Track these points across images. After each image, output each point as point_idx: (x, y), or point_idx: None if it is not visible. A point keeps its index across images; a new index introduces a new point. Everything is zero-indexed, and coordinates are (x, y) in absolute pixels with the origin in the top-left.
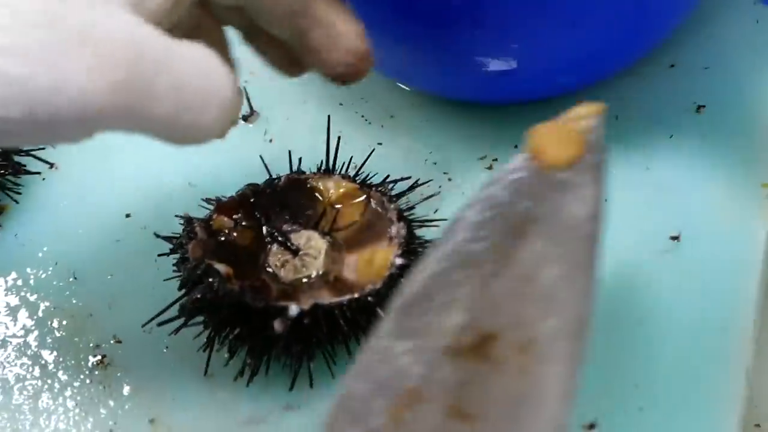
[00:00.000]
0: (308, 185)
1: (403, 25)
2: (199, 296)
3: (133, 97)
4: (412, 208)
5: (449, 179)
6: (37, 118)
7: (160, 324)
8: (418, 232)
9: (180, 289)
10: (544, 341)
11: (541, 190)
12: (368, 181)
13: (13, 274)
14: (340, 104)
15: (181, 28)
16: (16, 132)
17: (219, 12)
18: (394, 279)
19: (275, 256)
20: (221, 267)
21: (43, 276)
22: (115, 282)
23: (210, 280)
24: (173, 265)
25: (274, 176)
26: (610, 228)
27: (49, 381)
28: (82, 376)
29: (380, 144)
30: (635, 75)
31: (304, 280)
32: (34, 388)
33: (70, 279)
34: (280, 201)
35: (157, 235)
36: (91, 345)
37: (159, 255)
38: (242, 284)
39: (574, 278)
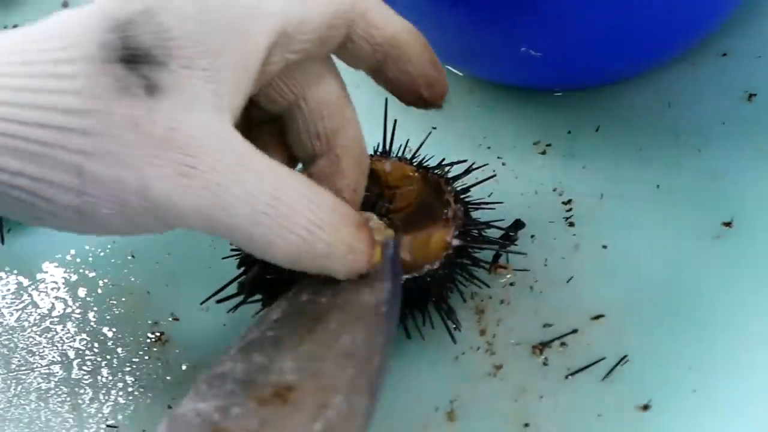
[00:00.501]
0: None
1: (459, 10)
2: (258, 274)
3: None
4: (468, 190)
5: (503, 164)
6: (124, 217)
7: (219, 301)
8: (474, 214)
9: (239, 267)
10: (341, 385)
11: (338, 282)
12: (425, 164)
13: (72, 251)
14: None
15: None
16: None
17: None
18: (451, 260)
19: None
20: None
21: (102, 254)
22: (172, 260)
23: None
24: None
25: None
26: (664, 214)
27: (108, 357)
28: (140, 353)
29: (434, 128)
30: (687, 63)
31: None
32: (94, 363)
33: (128, 257)
34: None
35: None
36: (149, 322)
37: None
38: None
39: (369, 341)
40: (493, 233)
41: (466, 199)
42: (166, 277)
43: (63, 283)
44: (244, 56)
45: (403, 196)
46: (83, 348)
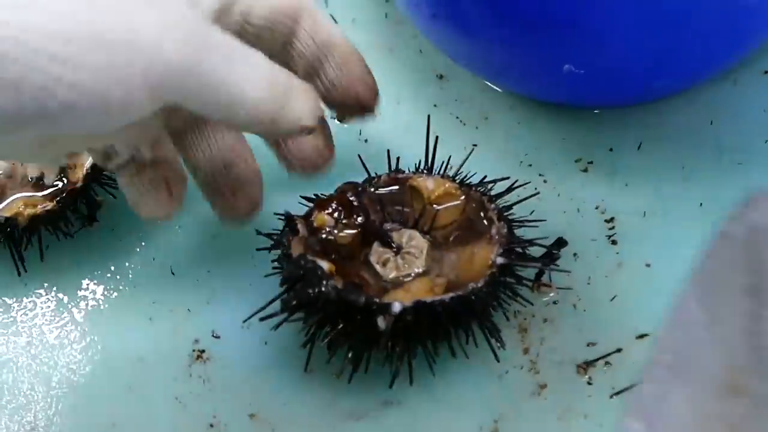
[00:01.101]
0: (408, 184)
1: (500, 27)
2: (301, 292)
3: (194, 60)
4: (510, 208)
5: (545, 181)
6: (113, 70)
7: (261, 319)
8: (516, 231)
9: (281, 285)
10: None
11: None
12: (467, 182)
13: (112, 268)
14: (435, 105)
15: None
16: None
17: None
18: (495, 278)
19: (377, 254)
20: (324, 263)
21: (142, 271)
22: (213, 278)
23: (313, 276)
24: (273, 261)
25: (372, 175)
26: (708, 232)
27: (149, 374)
28: (181, 370)
29: (475, 145)
30: (729, 81)
31: (406, 278)
32: (134, 381)
33: (169, 274)
34: (380, 199)
35: (259, 232)
36: (190, 339)
37: (258, 249)
38: (345, 281)
39: None
40: (535, 251)
41: (509, 217)
42: (207, 294)
43: (103, 300)
44: None
45: (446, 213)
46: (124, 366)
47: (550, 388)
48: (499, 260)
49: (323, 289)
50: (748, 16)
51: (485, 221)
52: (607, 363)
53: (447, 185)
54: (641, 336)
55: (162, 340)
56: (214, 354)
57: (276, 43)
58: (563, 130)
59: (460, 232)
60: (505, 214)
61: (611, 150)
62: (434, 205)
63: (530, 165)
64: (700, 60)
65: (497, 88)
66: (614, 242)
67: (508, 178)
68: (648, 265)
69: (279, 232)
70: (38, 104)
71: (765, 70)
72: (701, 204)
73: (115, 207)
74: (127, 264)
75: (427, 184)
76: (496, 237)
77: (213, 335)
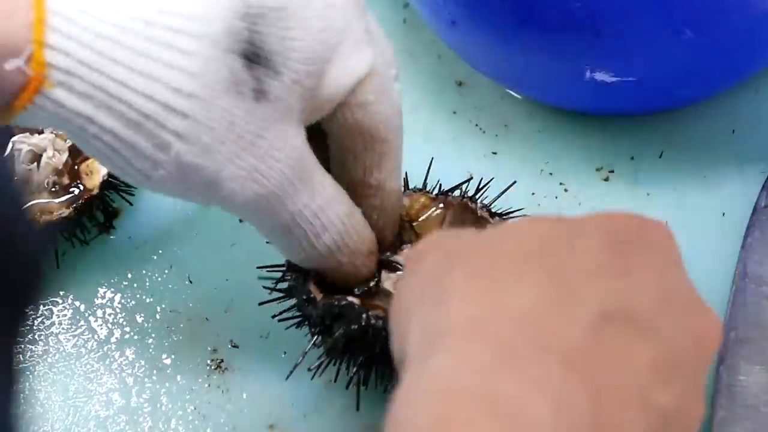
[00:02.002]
0: None
1: (522, 34)
2: (347, 331)
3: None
4: (492, 203)
5: (565, 190)
6: (182, 190)
7: (311, 369)
8: None
9: (314, 326)
10: None
11: None
12: (444, 190)
13: (129, 275)
14: (454, 113)
15: None
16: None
17: None
18: None
19: (390, 281)
20: (355, 300)
21: (159, 279)
22: (230, 286)
23: (351, 311)
24: (291, 308)
25: None
26: (730, 242)
27: (167, 384)
28: (200, 380)
29: (495, 153)
30: (751, 89)
31: None
32: (152, 391)
33: (186, 282)
34: None
35: (260, 277)
36: (208, 349)
37: (279, 301)
38: (379, 315)
39: None
40: None
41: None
42: (225, 303)
43: (120, 309)
44: (335, 89)
45: (428, 224)
46: (142, 375)
47: None
48: None
49: (372, 321)
50: None
51: (479, 222)
52: None
53: (422, 199)
54: None
55: (180, 350)
56: (233, 364)
57: (343, 142)
58: (583, 138)
59: None
60: (495, 210)
61: (632, 158)
62: (414, 221)
63: (551, 173)
64: (723, 70)
65: (517, 95)
66: None
67: (471, 178)
68: None
69: (283, 278)
70: None
71: None
72: (723, 214)
73: (132, 214)
74: (144, 272)
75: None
76: None
77: (231, 344)
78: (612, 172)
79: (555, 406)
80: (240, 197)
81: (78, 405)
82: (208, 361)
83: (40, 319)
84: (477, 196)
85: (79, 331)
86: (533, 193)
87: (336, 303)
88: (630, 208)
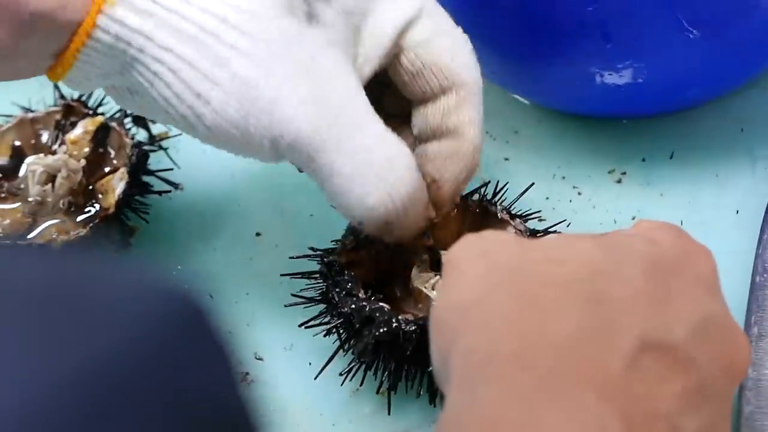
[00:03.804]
0: None
1: (531, 40)
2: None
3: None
4: (543, 220)
5: (579, 193)
6: (240, 118)
7: (342, 374)
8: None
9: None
10: None
11: None
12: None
13: None
14: None
15: None
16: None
17: None
18: None
19: (421, 280)
20: (385, 305)
21: None
22: (251, 300)
23: (381, 314)
24: (318, 316)
25: None
26: (745, 239)
27: None
28: None
29: (506, 159)
30: (758, 88)
31: None
32: None
33: (207, 297)
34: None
35: (290, 274)
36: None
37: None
38: (408, 319)
39: None
40: None
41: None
42: (247, 316)
43: None
44: (382, 28)
45: (444, 226)
46: None
47: None
48: None
49: (402, 325)
50: None
51: (500, 224)
52: None
53: None
54: None
55: None
56: (259, 376)
57: (415, 89)
58: (593, 142)
59: None
60: (520, 213)
61: (644, 160)
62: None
63: (563, 177)
64: (731, 70)
65: (525, 101)
66: None
67: (488, 182)
68: None
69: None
70: None
71: None
72: (737, 211)
73: (149, 232)
74: None
75: None
76: (521, 234)
77: (255, 357)
78: (624, 174)
79: None
80: (299, 123)
81: None
82: None
83: None
84: (495, 200)
85: None
86: (547, 198)
87: (366, 306)
88: (644, 210)
